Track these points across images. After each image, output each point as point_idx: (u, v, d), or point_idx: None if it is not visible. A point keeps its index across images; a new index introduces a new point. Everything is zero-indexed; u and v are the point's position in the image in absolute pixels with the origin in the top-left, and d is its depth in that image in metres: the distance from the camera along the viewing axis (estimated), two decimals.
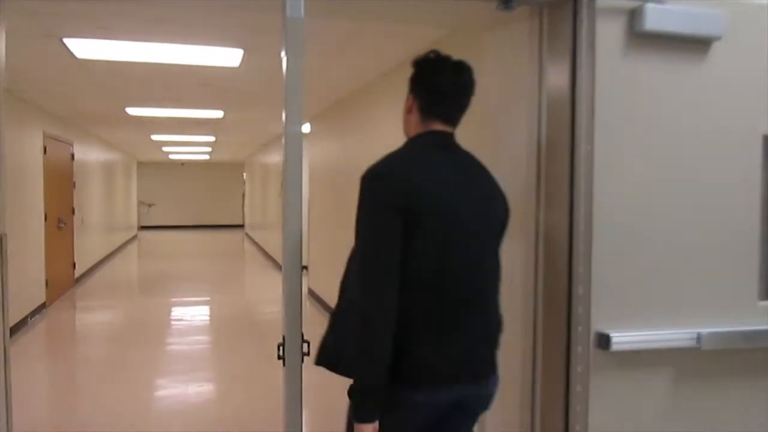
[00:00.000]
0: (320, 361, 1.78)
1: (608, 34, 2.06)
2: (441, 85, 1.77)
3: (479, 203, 1.76)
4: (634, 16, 2.06)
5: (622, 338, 2.05)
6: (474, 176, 1.80)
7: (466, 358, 1.71)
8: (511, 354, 2.42)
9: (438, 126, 1.79)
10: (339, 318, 1.78)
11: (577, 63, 2.08)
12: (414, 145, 1.79)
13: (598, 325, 2.08)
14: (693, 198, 2.15)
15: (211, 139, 12.38)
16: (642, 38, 2.08)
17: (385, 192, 1.62)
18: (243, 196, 21.18)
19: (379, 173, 1.67)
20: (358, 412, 1.62)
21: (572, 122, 2.10)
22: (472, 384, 1.73)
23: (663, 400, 2.17)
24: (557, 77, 2.18)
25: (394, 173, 1.66)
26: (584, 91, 2.06)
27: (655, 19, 2.03)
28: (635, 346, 2.09)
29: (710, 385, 2.21)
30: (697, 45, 2.12)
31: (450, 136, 1.81)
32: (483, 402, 1.81)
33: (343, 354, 1.69)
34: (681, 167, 2.14)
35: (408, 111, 1.84)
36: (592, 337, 2.07)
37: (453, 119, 1.81)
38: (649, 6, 2.03)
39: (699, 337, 2.11)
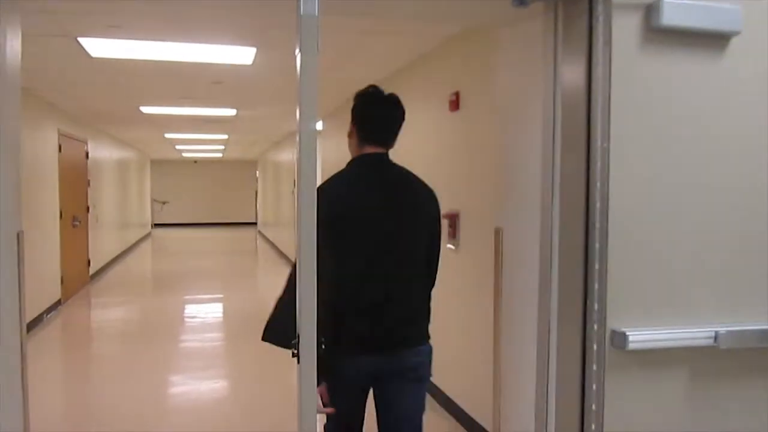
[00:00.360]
0: (267, 338, 2.12)
1: (624, 29, 2.04)
2: (374, 117, 2.15)
3: (404, 213, 2.13)
4: (650, 11, 2.04)
5: (638, 337, 2.03)
6: (401, 190, 2.17)
7: (385, 336, 2.09)
8: (526, 352, 2.41)
9: (371, 149, 2.15)
10: (280, 305, 2.11)
11: (593, 59, 2.06)
12: (351, 167, 2.18)
13: (614, 324, 2.06)
14: (710, 195, 2.13)
15: (224, 137, 12.43)
16: (659, 34, 2.05)
17: (323, 207, 1.89)
18: (256, 193, 21.25)
19: (319, 192, 1.94)
20: None
21: (588, 119, 2.08)
22: (390, 355, 2.10)
23: (679, 399, 2.15)
24: (573, 73, 2.16)
25: (330, 192, 2.04)
26: (600, 87, 2.04)
27: (672, 14, 2.01)
28: (652, 345, 2.07)
29: (727, 384, 2.19)
30: (715, 40, 2.10)
31: (382, 156, 2.16)
32: (409, 367, 2.15)
33: (288, 333, 1.94)
34: (699, 164, 2.11)
35: (349, 136, 2.20)
36: (607, 336, 2.06)
37: (385, 143, 2.17)
38: (667, 1, 2.00)
39: (716, 336, 2.09)
